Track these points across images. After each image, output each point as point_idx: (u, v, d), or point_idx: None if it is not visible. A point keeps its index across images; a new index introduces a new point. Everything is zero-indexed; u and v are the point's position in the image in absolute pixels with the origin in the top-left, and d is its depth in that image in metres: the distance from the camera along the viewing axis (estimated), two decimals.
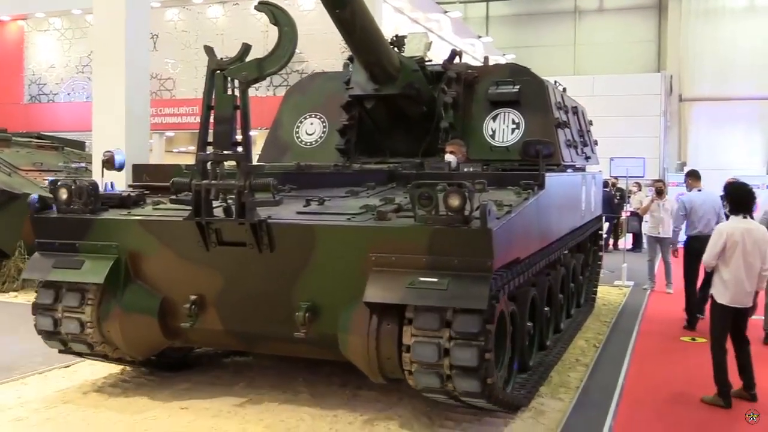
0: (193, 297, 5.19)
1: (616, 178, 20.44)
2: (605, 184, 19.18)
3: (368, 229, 4.66)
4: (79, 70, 26.37)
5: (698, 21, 28.13)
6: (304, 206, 5.19)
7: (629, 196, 18.69)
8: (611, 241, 18.76)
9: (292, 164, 6.57)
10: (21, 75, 27.30)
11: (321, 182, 6.21)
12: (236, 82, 4.77)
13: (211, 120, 4.89)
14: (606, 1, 31.28)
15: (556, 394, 6.14)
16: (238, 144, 4.78)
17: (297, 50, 4.86)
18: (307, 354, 5.52)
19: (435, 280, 4.44)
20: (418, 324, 4.50)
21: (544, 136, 6.96)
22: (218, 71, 4.82)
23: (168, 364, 6.37)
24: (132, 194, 5.69)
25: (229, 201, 4.88)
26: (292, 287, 4.94)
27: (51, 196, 5.50)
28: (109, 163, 6.16)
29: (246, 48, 4.78)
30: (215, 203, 4.92)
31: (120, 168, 6.18)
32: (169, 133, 23.77)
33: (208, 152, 4.81)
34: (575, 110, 8.87)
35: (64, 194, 5.43)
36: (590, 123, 10.14)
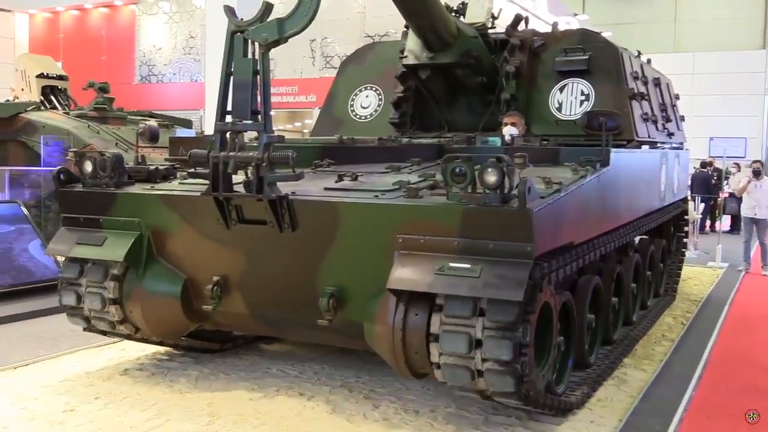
0: (216, 278, 4.85)
1: (713, 158, 19.82)
2: (703, 165, 18.68)
3: (395, 208, 4.18)
4: (186, 52, 27.31)
5: None
6: (336, 182, 4.75)
7: (728, 177, 18.23)
8: (708, 223, 18.18)
9: (334, 138, 6.14)
10: (132, 57, 28.63)
11: (364, 157, 5.75)
12: (257, 45, 4.36)
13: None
14: None
15: (640, 365, 6.21)
16: (258, 113, 4.37)
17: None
18: (336, 343, 5.12)
19: (467, 266, 3.93)
20: (449, 311, 4.00)
21: (616, 108, 6.29)
22: (238, 33, 4.42)
23: (205, 347, 6.07)
24: (161, 168, 5.39)
25: (251, 176, 4.49)
26: (316, 270, 4.52)
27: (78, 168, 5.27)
28: (144, 135, 5.90)
29: (267, 7, 4.36)
30: (238, 178, 4.54)
31: (154, 139, 5.91)
32: (272, 112, 24.25)
33: (226, 122, 4.43)
34: (657, 82, 8.07)
35: (89, 167, 5.18)
36: (677, 97, 9.28)
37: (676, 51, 28.09)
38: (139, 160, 5.52)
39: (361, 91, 7.62)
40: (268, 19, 4.33)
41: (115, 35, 28.57)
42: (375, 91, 7.54)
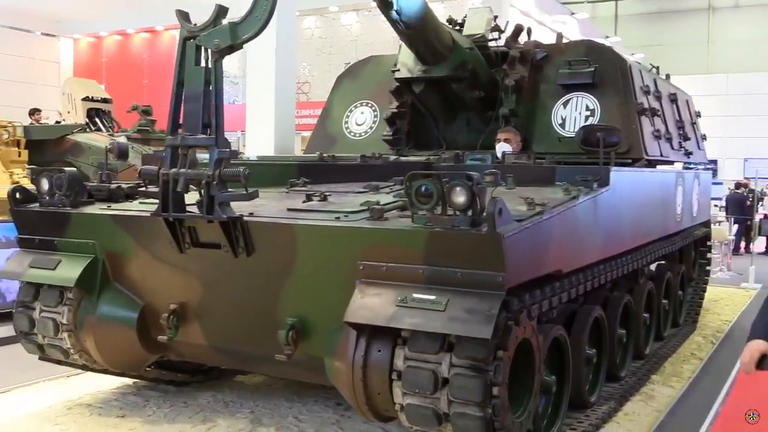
0: (172, 306, 4.45)
1: (748, 179, 19.66)
2: (737, 186, 18.34)
3: (355, 231, 3.74)
4: (225, 75, 27.84)
5: None
6: (303, 202, 4.34)
7: (762, 198, 18.22)
8: (743, 244, 17.96)
9: (314, 155, 5.74)
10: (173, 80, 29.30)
11: (346, 176, 5.34)
12: (209, 52, 3.99)
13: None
14: None
15: (668, 382, 6.25)
16: (209, 126, 3.98)
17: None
18: (300, 378, 4.68)
19: (432, 297, 3.48)
20: (413, 346, 3.55)
21: (624, 125, 5.81)
22: (190, 39, 4.05)
23: (173, 379, 5.66)
24: (124, 186, 5.03)
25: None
26: (276, 300, 4.09)
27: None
28: (112, 152, 5.56)
29: (220, 10, 3.98)
30: (194, 197, 4.14)
31: (123, 156, 5.57)
32: (305, 134, 24.51)
33: (177, 136, 4.05)
34: (673, 98, 7.55)
35: (45, 185, 4.83)
36: (698, 115, 8.73)
37: (710, 72, 27.57)
38: (103, 178, 5.16)
39: (356, 107, 7.23)
40: (221, 24, 3.95)
41: (157, 59, 29.01)
42: (370, 107, 7.15)
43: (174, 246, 4.24)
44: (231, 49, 3.95)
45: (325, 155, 5.69)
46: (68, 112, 16.16)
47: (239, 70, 26.71)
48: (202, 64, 4.03)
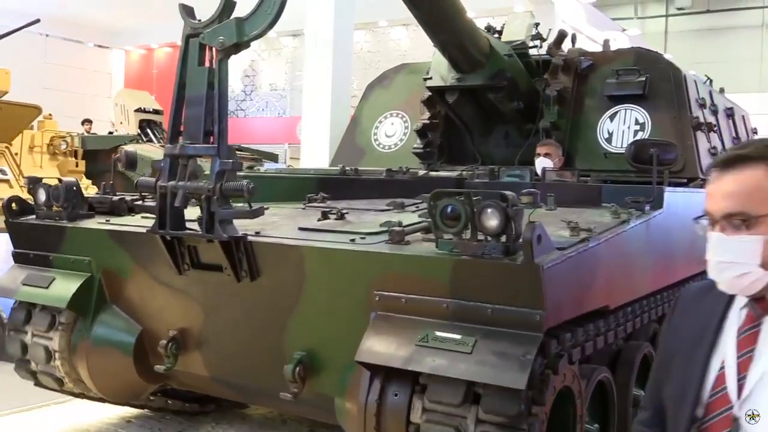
0: (172, 333, 4.02)
1: None
2: None
3: (370, 256, 3.27)
4: (273, 88, 28.18)
5: None
6: (318, 220, 3.89)
7: None
8: None
9: (335, 168, 5.30)
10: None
11: (369, 191, 4.89)
12: (214, 51, 3.57)
13: None
14: None
15: None
16: (212, 134, 3.55)
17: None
18: (305, 415, 4.22)
19: (457, 337, 2.98)
20: (433, 395, 3.05)
21: (678, 140, 5.26)
22: (194, 37, 3.63)
23: (182, 409, 5.22)
24: (128, 198, 4.63)
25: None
26: (282, 330, 3.63)
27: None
28: (120, 161, 5.19)
29: (227, 4, 3.55)
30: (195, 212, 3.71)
31: (132, 166, 5.19)
32: None
33: (177, 144, 3.63)
34: (730, 113, 6.96)
35: (42, 195, 4.45)
36: (754, 131, 8.11)
37: (763, 90, 26.69)
38: (107, 189, 4.78)
39: (386, 117, 6.77)
40: (227, 20, 3.52)
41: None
42: (401, 118, 6.68)
43: (172, 266, 3.81)
44: (237, 47, 3.53)
45: (347, 168, 5.24)
46: (120, 123, 16.34)
47: (287, 83, 26.85)
48: (207, 64, 3.61)
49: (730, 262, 1.72)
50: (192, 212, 3.68)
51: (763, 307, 1.77)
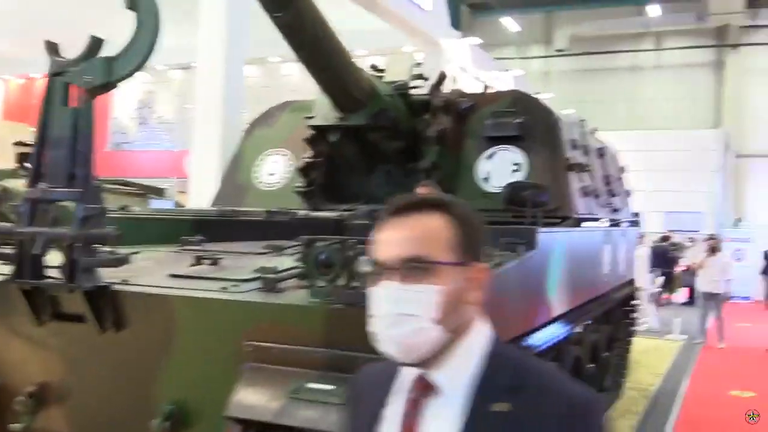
0: (30, 388, 3.76)
1: (671, 232, 20.57)
2: (662, 239, 19.08)
3: (240, 305, 3.18)
4: (160, 120, 27.54)
5: (757, 78, 27.45)
6: (191, 265, 3.75)
7: (684, 250, 19.21)
8: (666, 295, 18.62)
9: (213, 209, 5.17)
10: (106, 124, 28.98)
11: (249, 233, 4.79)
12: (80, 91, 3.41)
13: None
14: (664, 58, 30.42)
15: None
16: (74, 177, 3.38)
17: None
18: None
19: (330, 387, 2.92)
20: None
21: (552, 180, 5.44)
22: (59, 75, 3.46)
23: None
24: None
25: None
26: (150, 383, 3.46)
27: None
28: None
29: (94, 42, 3.41)
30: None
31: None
32: None
33: (38, 188, 3.43)
34: (601, 152, 7.29)
35: None
36: (622, 170, 8.52)
37: (634, 129, 28.49)
38: None
39: (268, 155, 6.69)
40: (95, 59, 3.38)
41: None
42: (284, 156, 6.62)
43: (31, 318, 3.58)
44: (105, 87, 3.38)
45: (225, 208, 5.12)
46: None
47: (176, 116, 26.35)
48: (73, 104, 3.44)
49: (406, 314, 1.56)
50: (57, 257, 3.48)
51: (423, 386, 1.62)
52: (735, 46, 28.03)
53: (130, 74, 3.35)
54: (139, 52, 3.31)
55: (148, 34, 3.29)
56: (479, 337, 1.67)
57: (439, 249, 1.58)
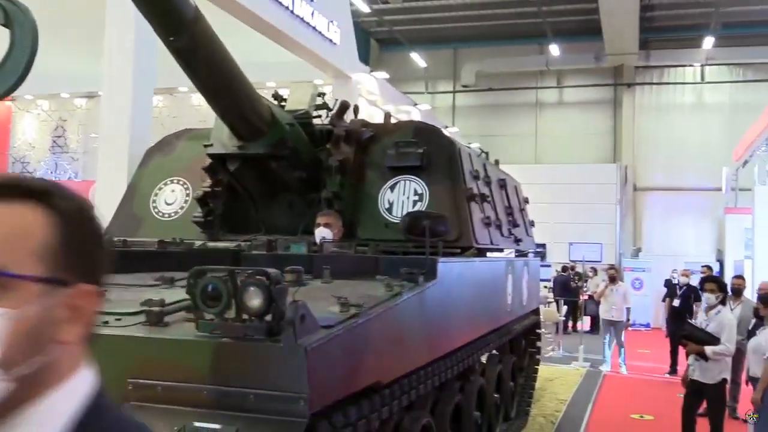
0: None
1: (574, 262, 21.16)
2: (564, 269, 19.68)
3: (124, 341, 2.98)
4: (64, 150, 26.73)
5: (650, 115, 28.95)
6: None
7: (586, 280, 19.48)
8: (570, 323, 19.30)
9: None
10: (6, 153, 27.76)
11: (142, 264, 4.57)
12: None
13: None
14: (565, 95, 31.53)
15: None
16: None
17: None
18: None
19: (217, 427, 2.76)
20: None
21: (453, 210, 5.44)
22: None
23: None
24: None
25: None
26: None
27: None
28: None
29: None
30: None
31: None
32: None
33: None
34: (503, 183, 7.39)
35: None
36: (526, 201, 8.68)
37: (539, 162, 29.32)
38: None
39: (166, 184, 6.47)
40: None
41: None
42: (182, 185, 6.41)
43: None
44: None
45: (116, 239, 4.88)
46: None
47: (79, 145, 25.52)
48: None
49: None
50: None
51: None
52: (629, 85, 29.32)
53: (4, 95, 3.14)
54: (13, 72, 3.11)
55: (23, 51, 3.09)
56: (69, 396, 1.11)
57: (20, 255, 1.06)
